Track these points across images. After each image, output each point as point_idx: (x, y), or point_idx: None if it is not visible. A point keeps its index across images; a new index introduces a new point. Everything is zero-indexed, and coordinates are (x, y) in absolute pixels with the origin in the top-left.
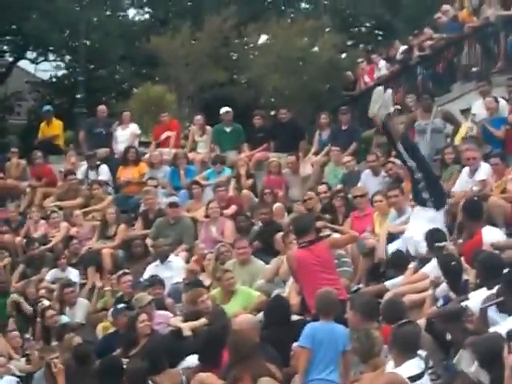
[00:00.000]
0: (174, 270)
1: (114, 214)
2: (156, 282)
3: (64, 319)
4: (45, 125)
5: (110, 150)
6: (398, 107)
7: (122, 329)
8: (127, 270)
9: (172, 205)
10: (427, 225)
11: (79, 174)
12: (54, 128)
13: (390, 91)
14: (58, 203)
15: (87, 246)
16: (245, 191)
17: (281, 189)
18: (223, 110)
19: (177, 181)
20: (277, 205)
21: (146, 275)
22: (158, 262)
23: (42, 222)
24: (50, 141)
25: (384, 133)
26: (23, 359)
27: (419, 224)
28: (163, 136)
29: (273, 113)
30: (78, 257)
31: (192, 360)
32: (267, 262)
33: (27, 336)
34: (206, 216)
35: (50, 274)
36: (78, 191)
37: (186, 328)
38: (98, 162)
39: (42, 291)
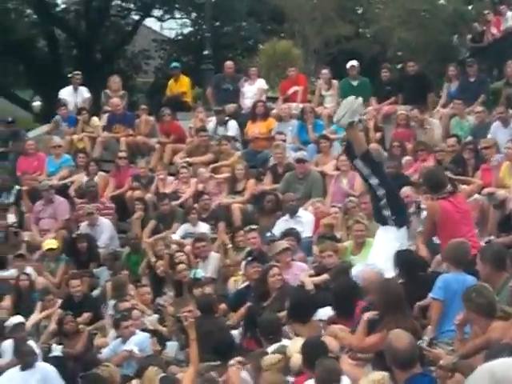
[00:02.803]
0: (303, 224)
1: (242, 170)
2: (291, 233)
3: (199, 273)
4: (172, 82)
5: (238, 106)
6: (363, 117)
7: (253, 282)
8: (254, 226)
9: (299, 161)
10: (390, 245)
11: (208, 130)
12: (181, 85)
13: (360, 100)
14: (188, 159)
15: (217, 201)
16: (373, 144)
17: (409, 141)
18: (350, 63)
19: (304, 135)
20: (406, 158)
21: (276, 229)
22: (287, 216)
23: (170, 178)
24: (178, 97)
25: (345, 148)
26: (155, 315)
27: (382, 248)
28: (290, 91)
29: (399, 66)
30: (208, 212)
31: (324, 312)
32: None
33: (161, 302)
34: (336, 169)
35: (181, 229)
36: (208, 147)
37: (309, 282)
38: (227, 118)
39: (174, 246)
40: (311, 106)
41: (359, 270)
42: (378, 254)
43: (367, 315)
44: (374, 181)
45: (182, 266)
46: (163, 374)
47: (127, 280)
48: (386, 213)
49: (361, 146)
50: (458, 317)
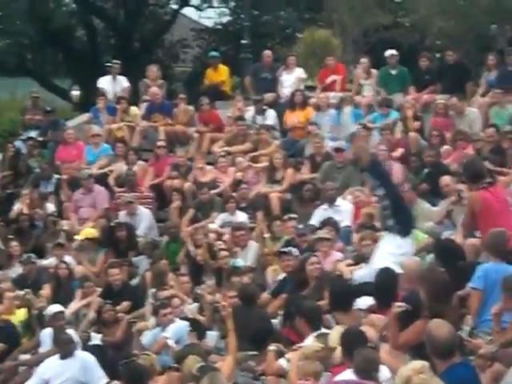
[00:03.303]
0: (341, 213)
1: (281, 159)
2: (329, 223)
3: (239, 262)
4: (211, 71)
5: (277, 95)
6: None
7: (291, 271)
8: (293, 215)
9: (338, 150)
10: (394, 253)
11: (246, 119)
12: (220, 74)
13: (346, 110)
14: (227, 148)
15: (255, 190)
16: (412, 133)
17: (448, 130)
18: (388, 52)
19: None
20: (445, 147)
21: (315, 218)
22: (326, 205)
23: (209, 167)
24: (217, 87)
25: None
26: (195, 304)
27: (384, 254)
28: (329, 80)
29: (438, 55)
30: (246, 201)
31: (363, 302)
32: (435, 204)
33: (199, 291)
34: None
35: (220, 218)
36: (247, 136)
37: (347, 272)
38: (265, 107)
39: (212, 235)
40: (350, 94)
41: (362, 273)
42: (380, 259)
43: (394, 311)
44: (379, 191)
45: (223, 253)
46: (202, 363)
47: (167, 269)
48: (390, 223)
49: (366, 155)
50: (496, 306)
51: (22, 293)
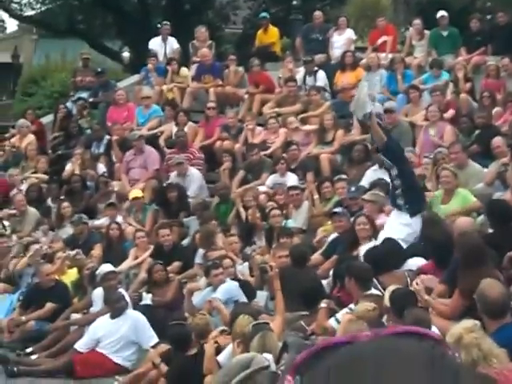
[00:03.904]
0: None
1: (331, 120)
2: (379, 184)
3: (289, 223)
4: (261, 32)
5: (327, 56)
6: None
7: (342, 232)
8: (343, 176)
9: (387, 111)
10: (401, 229)
11: (297, 80)
12: (270, 35)
13: (365, 84)
14: (277, 109)
15: (306, 152)
16: (463, 95)
17: (499, 92)
18: (439, 13)
19: (394, 85)
20: (496, 108)
21: (365, 180)
22: (376, 166)
23: (259, 128)
24: (267, 48)
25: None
26: (245, 264)
27: (392, 230)
28: (380, 40)
29: (489, 17)
30: (296, 162)
31: (413, 263)
32: (485, 166)
33: (248, 251)
34: (426, 119)
35: (270, 180)
36: (297, 97)
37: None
38: (316, 68)
39: (262, 196)
40: (401, 55)
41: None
42: (388, 235)
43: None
44: (393, 171)
45: (275, 212)
46: (257, 321)
47: (216, 230)
48: (400, 202)
49: (379, 137)
50: None
51: (73, 253)
